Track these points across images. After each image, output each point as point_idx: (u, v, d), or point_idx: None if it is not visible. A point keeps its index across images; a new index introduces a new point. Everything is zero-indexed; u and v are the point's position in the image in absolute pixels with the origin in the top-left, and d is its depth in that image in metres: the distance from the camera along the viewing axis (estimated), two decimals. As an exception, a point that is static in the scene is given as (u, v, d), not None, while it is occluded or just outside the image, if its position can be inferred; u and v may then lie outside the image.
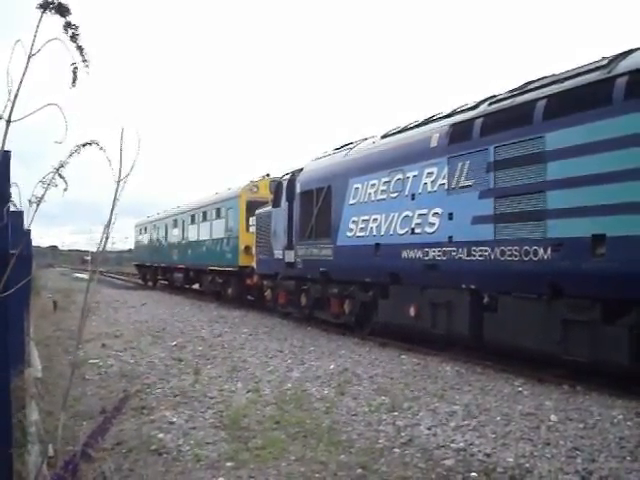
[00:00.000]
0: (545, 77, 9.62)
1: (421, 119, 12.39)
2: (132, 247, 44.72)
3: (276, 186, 17.98)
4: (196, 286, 28.49)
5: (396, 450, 5.99)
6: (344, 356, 11.47)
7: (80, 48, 2.24)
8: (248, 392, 8.37)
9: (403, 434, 6.49)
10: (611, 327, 7.92)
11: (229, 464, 5.50)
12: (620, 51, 8.40)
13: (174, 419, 6.93)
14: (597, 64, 8.49)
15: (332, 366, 10.38)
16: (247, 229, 21.47)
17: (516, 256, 9.01)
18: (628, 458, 5.73)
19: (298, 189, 16.08)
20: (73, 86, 2.28)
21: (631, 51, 8.25)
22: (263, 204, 19.75)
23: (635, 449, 5.98)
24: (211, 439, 6.24)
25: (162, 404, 7.59)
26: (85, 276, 40.83)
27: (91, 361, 10.27)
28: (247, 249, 21.01)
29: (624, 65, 7.98)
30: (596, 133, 7.97)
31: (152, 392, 8.25)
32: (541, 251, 8.63)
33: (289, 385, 8.86)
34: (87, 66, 2.26)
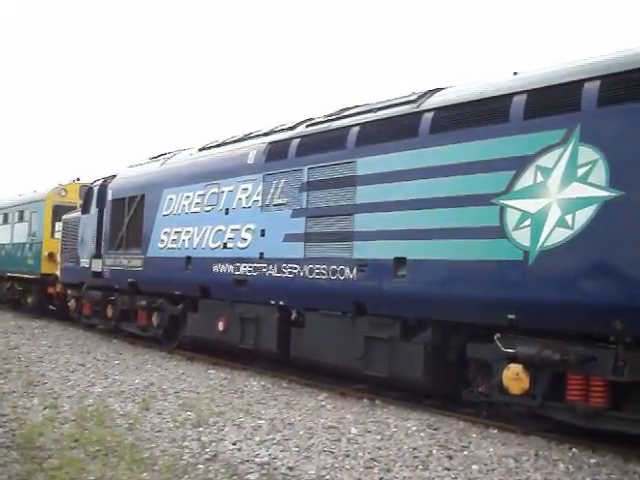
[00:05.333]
0: (360, 105, 10.13)
1: (240, 134, 12.51)
2: None
3: (86, 192, 17.24)
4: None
5: (200, 466, 5.95)
6: (150, 370, 11.22)
7: None
8: (45, 409, 7.92)
9: (208, 449, 6.47)
10: (408, 344, 8.45)
11: (21, 486, 5.19)
12: (428, 89, 9.05)
13: (-42, 440, 6.41)
14: (407, 98, 9.06)
15: (137, 380, 10.10)
16: (52, 235, 20.33)
17: (324, 274, 9.34)
18: (420, 467, 6.14)
19: (110, 196, 15.53)
20: None
21: (438, 89, 8.91)
22: (71, 209, 18.87)
23: (426, 458, 6.41)
24: (1, 460, 5.83)
25: (-55, 423, 6.99)
26: None
27: None
28: (51, 256, 19.90)
29: (431, 102, 8.60)
30: (403, 162, 8.50)
31: None
32: (347, 271, 9.01)
33: (90, 401, 8.50)
34: None
